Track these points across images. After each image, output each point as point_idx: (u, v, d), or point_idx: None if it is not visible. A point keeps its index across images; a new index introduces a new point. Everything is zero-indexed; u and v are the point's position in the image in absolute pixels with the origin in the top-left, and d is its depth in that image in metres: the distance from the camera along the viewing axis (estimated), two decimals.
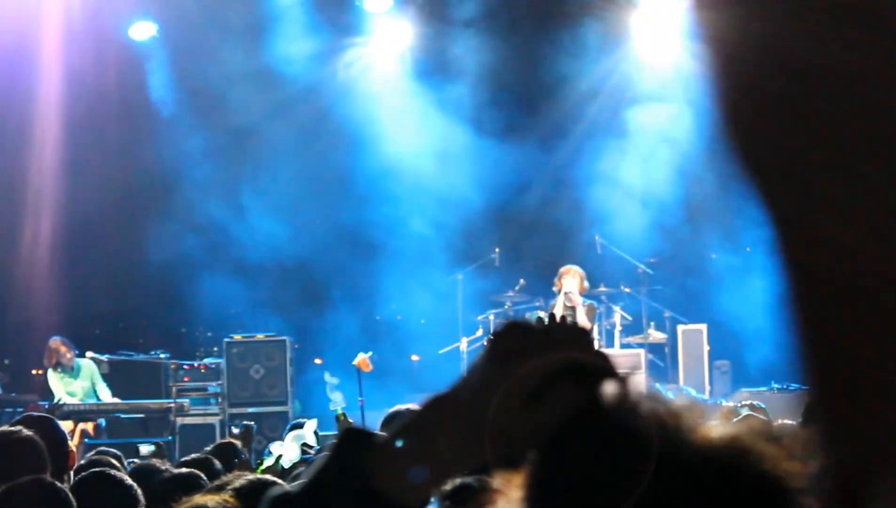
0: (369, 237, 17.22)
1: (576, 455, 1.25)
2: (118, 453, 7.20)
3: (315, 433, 8.29)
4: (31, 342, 15.38)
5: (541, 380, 1.34)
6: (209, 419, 14.38)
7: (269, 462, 7.48)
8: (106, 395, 13.62)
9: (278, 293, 16.28)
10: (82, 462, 5.90)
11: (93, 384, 13.63)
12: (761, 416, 6.01)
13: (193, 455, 5.94)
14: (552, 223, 16.81)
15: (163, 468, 5.15)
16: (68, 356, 13.52)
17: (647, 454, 1.20)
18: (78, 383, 13.54)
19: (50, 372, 13.62)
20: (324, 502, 1.42)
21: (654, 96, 16.49)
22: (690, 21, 13.35)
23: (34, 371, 15.22)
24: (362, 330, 16.65)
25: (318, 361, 16.63)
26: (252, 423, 9.44)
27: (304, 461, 7.22)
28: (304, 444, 7.88)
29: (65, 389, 13.48)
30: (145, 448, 10.75)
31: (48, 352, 13.55)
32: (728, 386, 15.50)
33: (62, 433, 5.15)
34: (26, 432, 4.56)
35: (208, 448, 6.75)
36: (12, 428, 4.63)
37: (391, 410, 5.88)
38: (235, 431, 9.20)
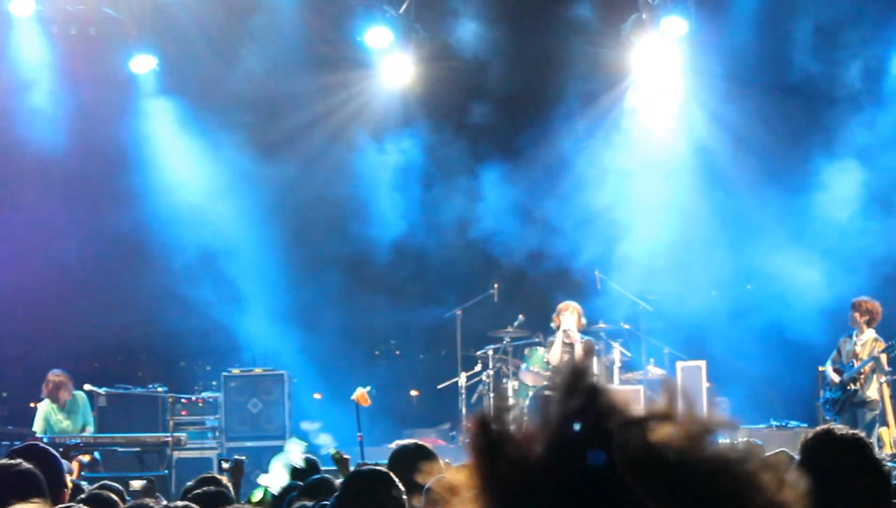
0: (369, 272, 17.26)
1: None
2: (119, 487, 7.17)
3: (303, 454, 8.20)
4: (29, 374, 15.37)
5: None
6: (206, 454, 14.34)
7: (257, 495, 7.39)
8: (88, 431, 13.56)
9: (277, 328, 16.28)
10: (83, 495, 5.88)
11: (80, 423, 13.58)
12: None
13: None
14: (552, 259, 16.87)
15: (156, 506, 5.13)
16: (66, 393, 13.48)
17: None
18: (66, 423, 13.49)
19: (44, 403, 13.58)
20: None
21: (652, 134, 16.59)
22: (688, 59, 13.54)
23: (32, 405, 15.17)
24: (361, 365, 16.68)
25: (316, 396, 16.62)
26: (243, 457, 9.35)
27: (294, 486, 7.11)
28: (293, 467, 7.80)
29: (50, 425, 13.42)
30: (137, 483, 10.71)
31: (47, 382, 13.50)
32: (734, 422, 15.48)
33: (60, 466, 5.13)
34: (26, 465, 4.55)
35: (191, 484, 6.67)
36: (11, 461, 4.62)
37: (399, 444, 5.91)
38: (225, 465, 9.09)
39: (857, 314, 13.11)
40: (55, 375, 13.53)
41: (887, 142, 15.93)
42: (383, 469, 5.11)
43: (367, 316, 17.41)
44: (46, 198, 16.26)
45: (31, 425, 13.85)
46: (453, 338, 15.71)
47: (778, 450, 6.65)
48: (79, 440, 13.03)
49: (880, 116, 15.97)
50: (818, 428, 3.76)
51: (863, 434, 3.83)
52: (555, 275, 16.62)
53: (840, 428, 3.78)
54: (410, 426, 16.44)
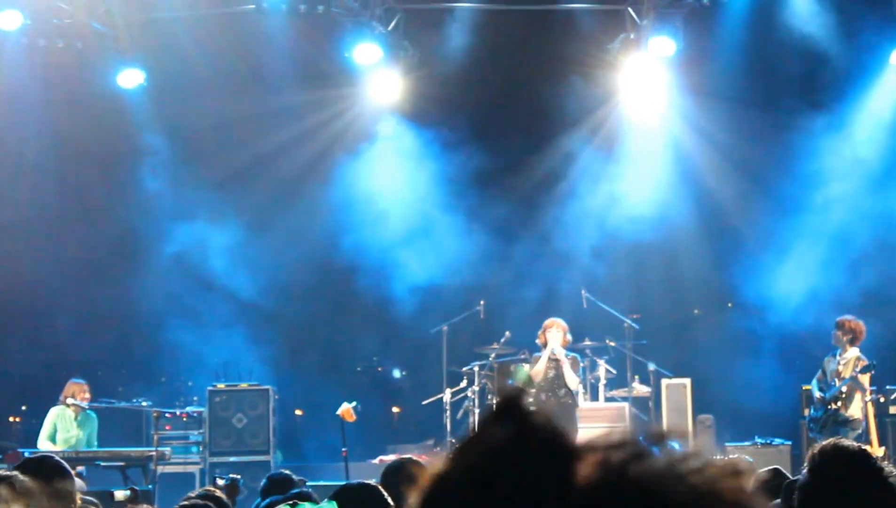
0: (354, 288, 17.31)
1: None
2: (95, 500, 7.12)
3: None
4: (7, 389, 15.39)
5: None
6: (189, 468, 14.35)
7: None
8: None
9: (261, 343, 16.32)
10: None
11: (88, 438, 13.58)
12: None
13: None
14: (538, 277, 16.96)
15: None
16: (83, 402, 13.46)
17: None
18: (76, 431, 13.47)
19: (57, 408, 13.55)
20: None
21: (640, 153, 16.72)
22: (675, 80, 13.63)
23: (11, 419, 15.18)
24: (345, 381, 16.72)
25: (298, 412, 16.66)
26: (239, 476, 9.33)
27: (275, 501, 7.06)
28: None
29: (58, 432, 13.41)
30: (120, 494, 10.67)
31: (67, 390, 13.50)
32: (711, 440, 15.58)
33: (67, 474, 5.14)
34: (21, 477, 4.55)
35: (193, 495, 6.64)
36: (8, 473, 4.62)
37: (392, 459, 5.92)
38: (220, 482, 9.03)
39: (839, 333, 13.10)
40: (79, 385, 13.55)
41: (870, 159, 16.09)
42: (373, 483, 5.12)
43: (354, 331, 17.48)
44: (30, 210, 16.26)
45: (9, 437, 13.83)
46: (439, 354, 15.77)
47: (771, 467, 6.68)
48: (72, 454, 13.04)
49: (863, 133, 16.13)
50: (825, 442, 3.75)
51: (869, 448, 3.84)
52: (541, 292, 16.70)
53: (847, 442, 3.79)
54: (394, 443, 16.48)
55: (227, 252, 16.59)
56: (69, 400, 13.50)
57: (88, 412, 13.56)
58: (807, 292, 15.71)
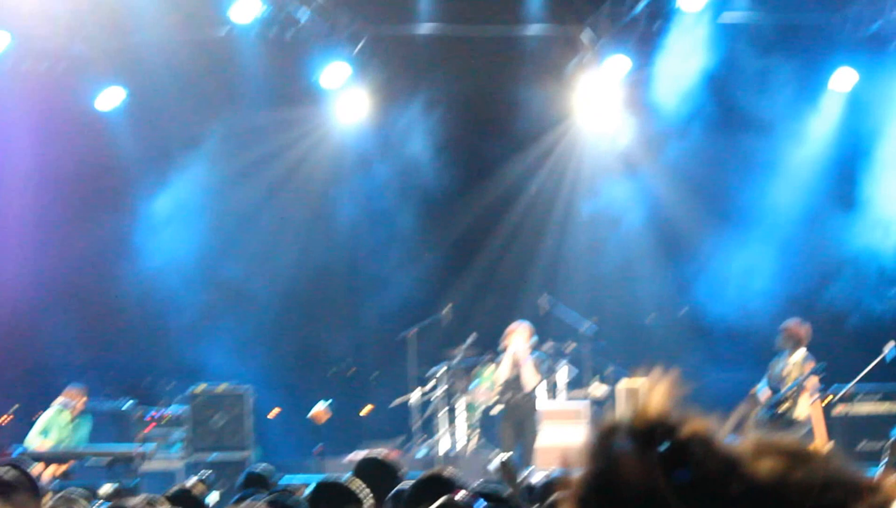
0: (329, 293, 17.80)
1: None
2: (84, 491, 7.54)
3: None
4: None
5: None
6: (172, 466, 14.85)
7: None
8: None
9: (239, 347, 16.73)
10: (50, 503, 6.06)
11: (79, 442, 14.04)
12: None
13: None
14: (503, 282, 17.48)
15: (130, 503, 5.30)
16: (79, 405, 13.94)
17: None
18: (70, 435, 13.93)
19: (53, 409, 14.00)
20: None
21: (596, 167, 17.28)
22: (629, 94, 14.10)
23: (2, 418, 15.54)
24: (319, 382, 17.17)
25: (274, 412, 17.11)
26: (205, 476, 9.65)
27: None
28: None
29: (49, 430, 13.84)
30: (106, 488, 11.10)
31: (66, 394, 13.97)
32: None
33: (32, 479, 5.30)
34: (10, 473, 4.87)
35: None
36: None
37: (360, 456, 6.36)
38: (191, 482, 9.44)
39: (785, 337, 13.47)
40: (78, 390, 13.99)
41: (827, 175, 16.62)
42: (347, 479, 5.33)
43: (325, 336, 17.91)
44: (21, 217, 16.68)
45: None
46: (406, 357, 16.23)
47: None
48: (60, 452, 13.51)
49: (818, 150, 16.68)
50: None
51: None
52: (505, 297, 17.20)
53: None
54: (364, 440, 16.89)
55: (206, 258, 17.08)
56: (62, 402, 13.92)
57: (85, 416, 14.03)
58: (754, 297, 16.28)
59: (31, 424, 14.13)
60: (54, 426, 13.91)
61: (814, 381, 13.33)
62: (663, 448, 1.33)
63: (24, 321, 16.75)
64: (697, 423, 1.38)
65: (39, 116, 16.09)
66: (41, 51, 15.50)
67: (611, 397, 16.15)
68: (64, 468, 13.35)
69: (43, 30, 15.15)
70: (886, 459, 6.47)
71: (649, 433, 1.34)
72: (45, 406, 14.28)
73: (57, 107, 16.10)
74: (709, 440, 1.35)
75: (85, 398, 14.03)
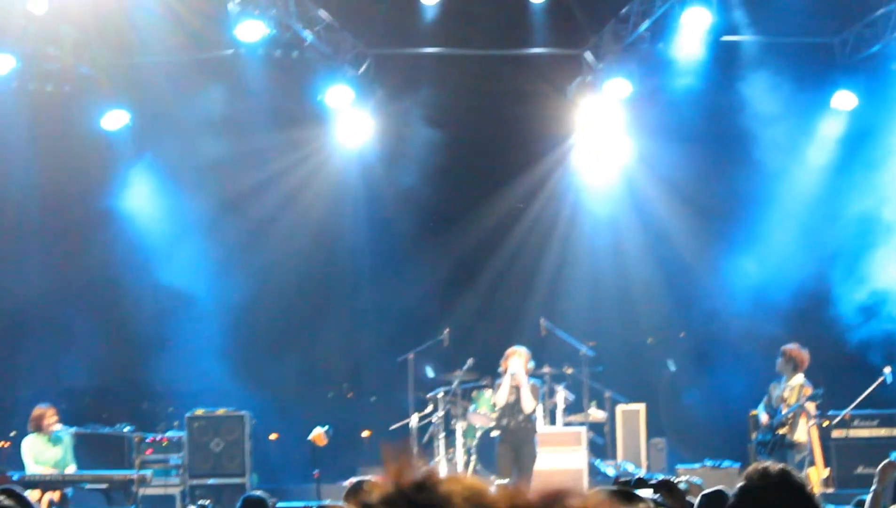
0: (326, 315, 17.83)
1: None
2: None
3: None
4: None
5: None
6: (170, 490, 14.83)
7: None
8: (70, 469, 13.87)
9: (238, 372, 16.73)
10: None
11: (65, 456, 13.95)
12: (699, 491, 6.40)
13: None
14: (501, 307, 17.50)
15: None
16: (52, 424, 13.82)
17: None
18: (53, 451, 13.82)
19: (28, 437, 13.89)
20: None
21: (597, 187, 17.34)
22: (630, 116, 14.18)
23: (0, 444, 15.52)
24: (318, 405, 17.18)
25: (273, 436, 17.11)
26: (208, 502, 9.68)
27: None
28: None
29: (36, 457, 13.74)
30: None
31: (33, 416, 13.84)
32: (663, 462, 16.08)
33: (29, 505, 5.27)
34: (6, 502, 4.81)
35: None
36: None
37: (353, 480, 6.39)
38: None
39: (783, 361, 13.51)
40: (43, 408, 13.89)
41: (825, 197, 16.67)
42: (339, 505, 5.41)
43: (324, 360, 17.93)
44: (19, 243, 16.71)
45: None
46: (405, 381, 16.23)
47: (715, 487, 7.07)
48: (58, 477, 13.42)
49: (816, 173, 16.73)
50: (750, 467, 3.92)
51: (794, 470, 4.02)
52: (503, 321, 17.21)
53: (773, 465, 3.92)
54: (365, 465, 16.88)
55: (206, 281, 17.07)
56: (32, 427, 13.79)
57: (57, 433, 13.83)
58: (754, 318, 16.32)
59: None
60: (36, 452, 13.78)
61: (812, 407, 13.37)
62: None
63: (19, 345, 16.77)
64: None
65: (45, 137, 16.13)
66: (47, 71, 15.55)
67: (608, 422, 16.18)
68: (60, 494, 13.32)
69: (48, 50, 15.20)
70: (875, 486, 6.41)
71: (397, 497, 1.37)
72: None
73: (62, 127, 16.14)
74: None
75: (50, 414, 13.85)
